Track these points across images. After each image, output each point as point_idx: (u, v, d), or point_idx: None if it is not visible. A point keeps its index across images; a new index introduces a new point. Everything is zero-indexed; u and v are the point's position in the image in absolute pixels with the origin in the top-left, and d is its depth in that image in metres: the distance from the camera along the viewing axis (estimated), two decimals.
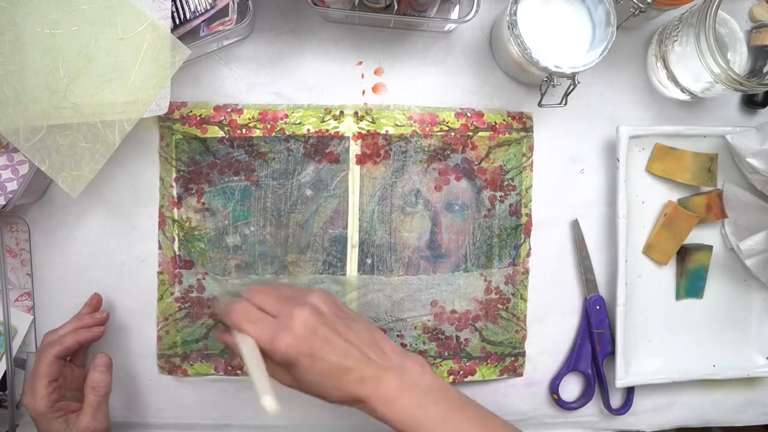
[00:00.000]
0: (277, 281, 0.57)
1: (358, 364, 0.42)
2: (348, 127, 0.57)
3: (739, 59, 0.55)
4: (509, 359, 0.58)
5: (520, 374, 0.59)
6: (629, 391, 0.59)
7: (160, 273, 0.57)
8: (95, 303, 0.55)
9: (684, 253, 0.58)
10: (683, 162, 0.57)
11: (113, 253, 0.57)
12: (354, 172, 0.57)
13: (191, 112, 0.56)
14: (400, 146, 0.57)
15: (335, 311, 0.45)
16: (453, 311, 0.58)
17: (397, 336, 0.57)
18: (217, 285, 0.56)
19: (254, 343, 0.42)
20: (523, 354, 0.59)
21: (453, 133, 0.57)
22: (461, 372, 0.58)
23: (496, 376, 0.58)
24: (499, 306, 0.58)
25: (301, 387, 0.44)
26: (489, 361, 0.58)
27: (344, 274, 0.57)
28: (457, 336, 0.58)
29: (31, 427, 0.57)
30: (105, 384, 0.50)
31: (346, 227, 0.57)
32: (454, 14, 0.55)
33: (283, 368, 0.43)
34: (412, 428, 0.41)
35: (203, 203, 0.56)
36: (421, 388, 0.42)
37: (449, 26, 0.55)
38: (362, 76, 0.57)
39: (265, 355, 0.43)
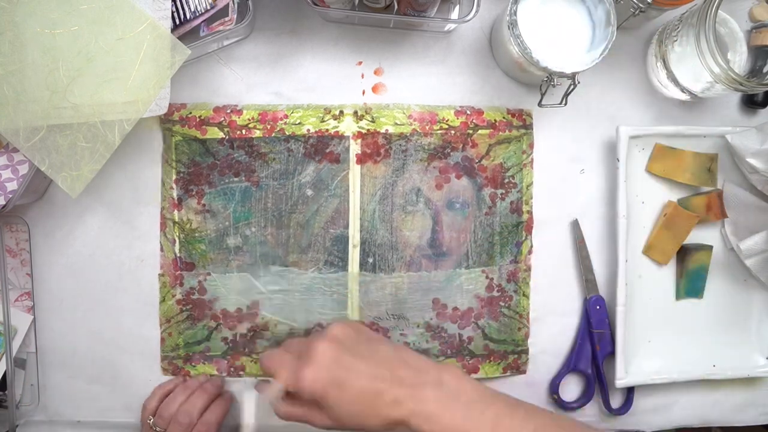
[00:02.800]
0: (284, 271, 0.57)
1: (389, 385, 0.40)
2: (348, 126, 0.57)
3: (739, 59, 0.55)
4: (512, 357, 0.58)
5: (524, 371, 0.59)
6: (629, 391, 0.59)
7: (161, 275, 0.57)
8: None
9: (684, 253, 0.58)
10: (683, 162, 0.57)
11: (113, 253, 0.57)
12: (354, 171, 0.57)
13: (191, 113, 0.56)
14: (400, 145, 0.57)
15: (357, 337, 0.43)
16: (455, 309, 0.58)
17: (400, 335, 0.57)
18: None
19: (254, 396, 0.42)
20: (526, 351, 0.59)
21: (453, 131, 0.57)
22: (464, 370, 0.58)
23: (499, 374, 0.58)
24: (501, 303, 0.58)
25: (339, 424, 0.41)
26: (492, 358, 0.58)
27: (346, 274, 0.57)
28: (459, 334, 0.58)
29: (31, 427, 0.57)
30: None
31: (347, 227, 0.57)
32: (454, 14, 0.56)
33: (316, 408, 0.41)
34: None
35: (204, 205, 0.56)
36: (463, 399, 0.40)
37: (449, 26, 0.55)
38: (362, 76, 0.57)
39: (297, 397, 0.41)
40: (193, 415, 0.51)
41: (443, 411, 0.39)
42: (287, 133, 0.56)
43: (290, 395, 0.42)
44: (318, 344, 0.41)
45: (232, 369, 0.57)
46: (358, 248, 0.57)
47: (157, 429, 0.52)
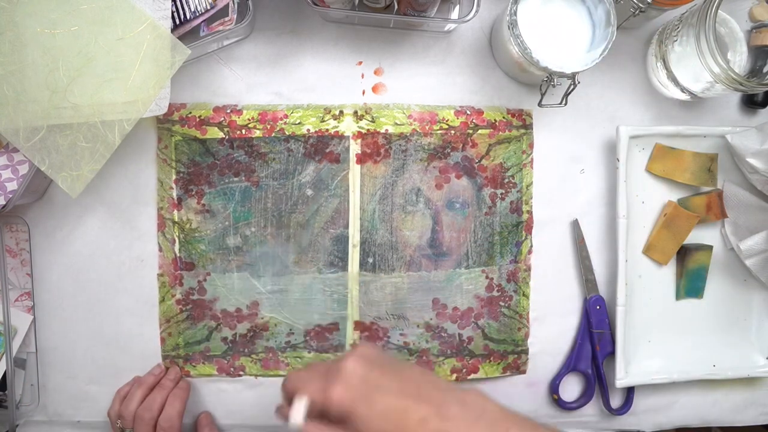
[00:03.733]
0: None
1: (416, 403, 0.39)
2: (348, 126, 0.57)
3: (739, 59, 0.55)
4: (512, 357, 0.58)
5: (524, 372, 0.59)
6: (629, 391, 0.59)
7: (160, 275, 0.57)
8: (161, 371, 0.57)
9: (684, 253, 0.58)
10: (683, 162, 0.57)
11: (113, 253, 0.57)
12: (354, 171, 0.57)
13: (191, 113, 0.56)
14: (400, 145, 0.57)
15: (383, 356, 0.43)
16: (455, 309, 0.58)
17: (400, 335, 0.57)
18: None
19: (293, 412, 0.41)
20: (525, 351, 0.59)
21: (453, 131, 0.57)
22: (464, 370, 0.58)
23: (499, 374, 0.58)
24: (501, 303, 0.58)
25: None
26: (492, 358, 0.58)
27: (346, 274, 0.57)
28: (459, 334, 0.58)
29: (30, 427, 0.57)
30: None
31: (347, 227, 0.57)
32: (454, 14, 0.56)
33: (341, 427, 0.40)
34: None
35: (203, 205, 0.56)
36: (487, 418, 0.40)
37: (449, 26, 0.55)
38: (362, 76, 0.57)
39: (325, 416, 0.41)
40: (153, 409, 0.52)
41: (468, 429, 0.39)
42: (287, 133, 0.56)
43: (315, 415, 0.41)
44: (346, 361, 0.41)
45: (232, 369, 0.57)
46: (358, 248, 0.57)
47: (126, 430, 0.52)
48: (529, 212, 0.58)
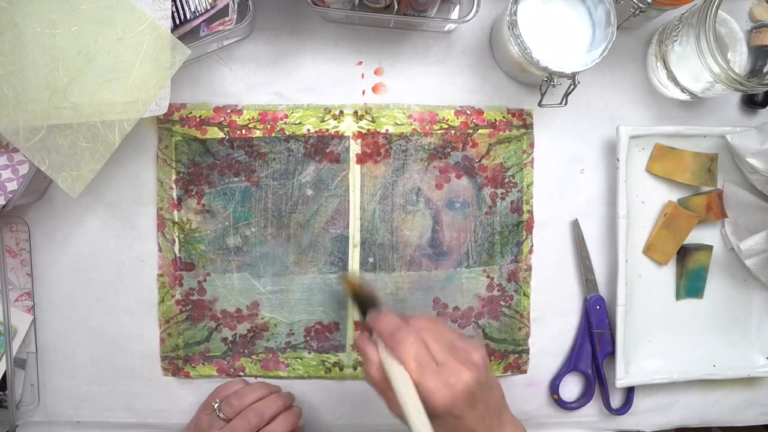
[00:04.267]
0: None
1: None
2: (348, 126, 0.57)
3: (739, 59, 0.55)
4: (513, 356, 0.58)
5: (524, 371, 0.59)
6: (629, 391, 0.59)
7: (160, 276, 0.57)
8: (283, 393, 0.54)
9: (684, 253, 0.58)
10: (683, 162, 0.57)
11: (113, 253, 0.57)
12: (354, 171, 0.57)
13: (191, 113, 0.56)
14: (400, 145, 0.57)
15: (487, 374, 0.43)
16: (456, 308, 0.58)
17: None
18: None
19: (408, 378, 0.40)
20: (527, 351, 0.59)
21: (453, 131, 0.57)
22: None
23: (499, 374, 0.58)
24: (502, 303, 0.58)
25: None
26: (492, 358, 0.58)
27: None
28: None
29: (30, 427, 0.57)
30: None
31: (347, 227, 0.57)
32: (454, 14, 0.56)
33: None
34: None
35: (203, 205, 0.56)
36: None
37: (449, 26, 0.55)
38: (362, 76, 0.57)
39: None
40: (264, 417, 0.49)
41: None
42: (287, 133, 0.56)
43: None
44: (466, 374, 0.40)
45: (232, 370, 0.57)
46: (358, 248, 0.57)
47: (219, 414, 0.50)
48: (530, 212, 0.58)
